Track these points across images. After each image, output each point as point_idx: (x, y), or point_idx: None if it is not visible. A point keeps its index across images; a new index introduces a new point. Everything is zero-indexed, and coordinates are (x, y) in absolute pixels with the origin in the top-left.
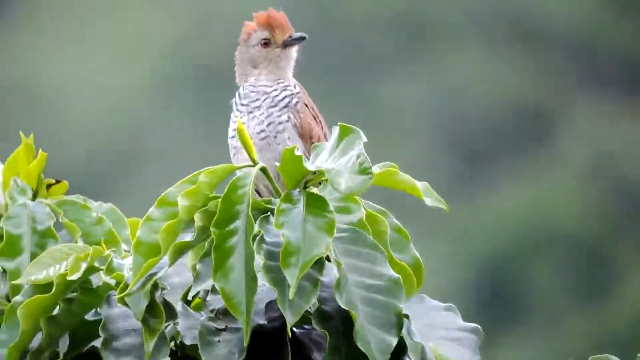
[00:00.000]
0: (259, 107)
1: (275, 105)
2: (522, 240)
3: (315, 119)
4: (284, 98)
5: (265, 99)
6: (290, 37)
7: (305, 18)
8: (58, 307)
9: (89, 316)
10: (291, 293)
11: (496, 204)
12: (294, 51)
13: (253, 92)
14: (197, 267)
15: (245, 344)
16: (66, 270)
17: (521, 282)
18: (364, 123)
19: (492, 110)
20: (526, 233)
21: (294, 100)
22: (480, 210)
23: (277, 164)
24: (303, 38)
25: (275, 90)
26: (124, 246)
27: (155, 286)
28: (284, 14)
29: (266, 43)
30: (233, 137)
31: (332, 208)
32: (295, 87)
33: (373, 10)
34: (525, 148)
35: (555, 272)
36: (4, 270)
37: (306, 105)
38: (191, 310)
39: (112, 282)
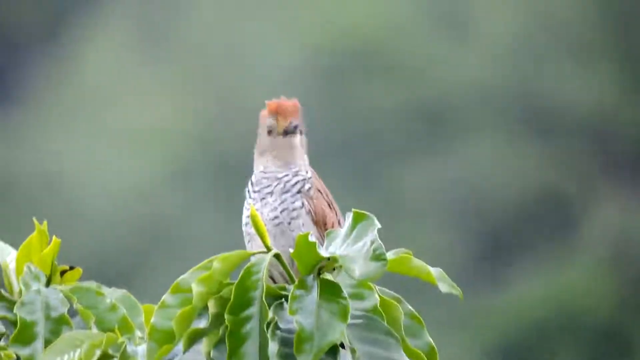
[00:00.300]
0: (271, 193)
1: (287, 191)
2: (542, 328)
3: (329, 205)
4: (296, 183)
5: (277, 185)
6: (290, 125)
7: (325, 108)
8: None
9: None
10: None
11: (517, 291)
12: (296, 139)
13: (265, 178)
14: (212, 353)
15: None
16: (80, 357)
17: None
18: (384, 212)
19: (513, 197)
20: (547, 321)
21: (307, 186)
22: (501, 297)
23: (291, 250)
24: (295, 127)
25: (286, 175)
26: (138, 333)
27: None
28: (294, 102)
29: (270, 131)
30: (247, 224)
31: (346, 294)
32: (307, 172)
33: (391, 99)
34: (546, 234)
35: (578, 358)
36: (18, 358)
37: (319, 192)
38: None
39: None
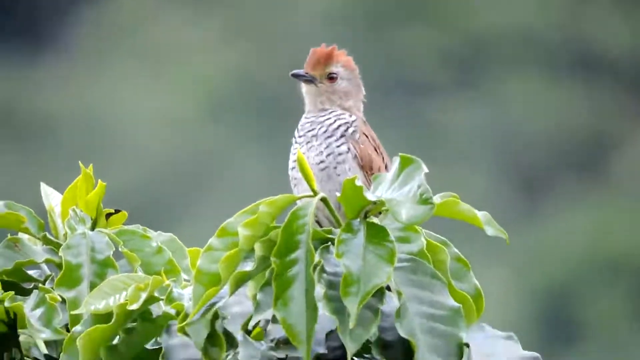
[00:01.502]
0: (316, 137)
1: (331, 135)
2: (582, 268)
3: (376, 150)
4: (339, 127)
5: (320, 128)
6: (324, 72)
7: (366, 51)
8: (118, 337)
9: (149, 346)
10: (352, 322)
11: (557, 231)
12: (332, 86)
13: (308, 122)
14: (258, 296)
15: None
16: (126, 300)
17: (582, 310)
18: (424, 152)
19: (552, 136)
20: (587, 260)
21: (351, 130)
22: (541, 237)
23: (338, 194)
24: (293, 75)
25: (328, 119)
26: (184, 276)
27: (215, 316)
28: (327, 50)
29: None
30: (293, 168)
31: (392, 238)
32: (351, 116)
33: (432, 41)
34: (586, 175)
35: (617, 299)
36: (63, 300)
37: (366, 136)
38: (252, 340)
39: (172, 311)
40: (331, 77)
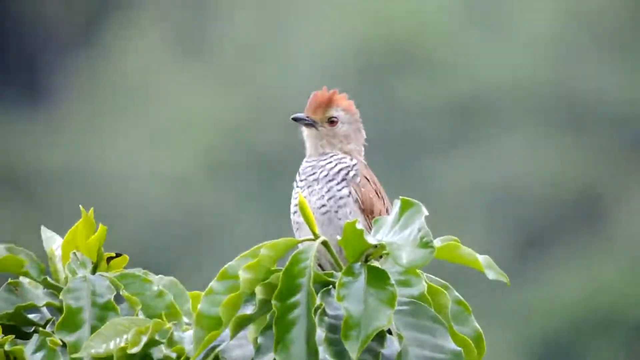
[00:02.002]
0: (317, 180)
1: (332, 179)
2: (581, 322)
3: (377, 193)
4: (340, 170)
5: (321, 172)
6: (324, 116)
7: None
8: None
9: None
10: None
11: (554, 285)
12: (332, 129)
13: (309, 166)
14: (259, 340)
15: None
16: (127, 343)
17: None
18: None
19: (549, 192)
20: (583, 314)
21: (352, 173)
22: (536, 291)
23: (339, 237)
24: (294, 119)
25: (329, 163)
26: (185, 319)
27: (216, 359)
28: (328, 93)
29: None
30: (295, 212)
31: (393, 281)
32: (352, 159)
33: (427, 95)
34: (582, 229)
35: (612, 352)
36: (64, 344)
37: (367, 180)
38: None
39: (174, 355)
40: (332, 121)
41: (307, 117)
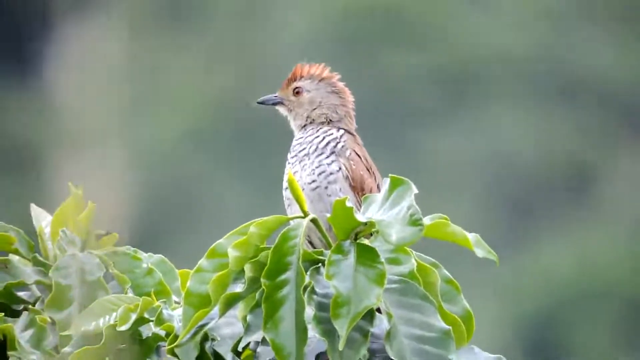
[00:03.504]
0: (308, 155)
1: (322, 153)
2: (569, 294)
3: (368, 170)
4: (327, 143)
5: (310, 147)
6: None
7: (349, 74)
8: (108, 358)
9: None
10: (341, 344)
11: (544, 257)
12: (300, 99)
13: (298, 143)
14: (248, 318)
15: None
16: (116, 321)
17: (569, 336)
18: (410, 176)
19: (537, 164)
20: (574, 287)
21: (340, 145)
22: (528, 263)
23: (328, 215)
24: (259, 102)
25: (317, 137)
26: (174, 297)
27: (205, 337)
28: (295, 68)
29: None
30: (286, 188)
31: (382, 259)
32: (338, 130)
33: (416, 66)
34: (571, 200)
35: (602, 325)
36: (53, 321)
37: (358, 156)
38: None
39: (162, 333)
40: (296, 92)
41: (275, 96)
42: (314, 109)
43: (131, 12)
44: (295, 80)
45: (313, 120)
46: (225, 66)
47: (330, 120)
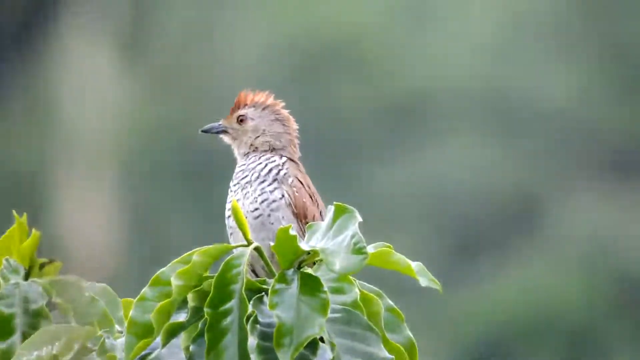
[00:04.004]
0: (250, 183)
1: (263, 180)
2: (515, 326)
3: (311, 197)
4: (270, 171)
5: (252, 174)
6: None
7: (297, 104)
8: None
9: None
10: None
11: (490, 288)
12: (245, 126)
13: (240, 170)
14: (191, 348)
15: None
16: (58, 351)
17: None
18: (354, 206)
19: (485, 195)
20: (521, 317)
21: (282, 172)
22: (473, 296)
23: (272, 243)
24: (203, 131)
25: (259, 164)
26: (117, 327)
27: None
28: (239, 96)
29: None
30: (229, 217)
31: (326, 288)
32: (281, 157)
33: (364, 96)
34: (518, 231)
35: (548, 355)
36: None
37: (301, 183)
38: None
39: None
40: (240, 120)
41: (220, 124)
42: (257, 136)
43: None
44: (239, 108)
45: (256, 148)
46: (171, 92)
47: (274, 148)
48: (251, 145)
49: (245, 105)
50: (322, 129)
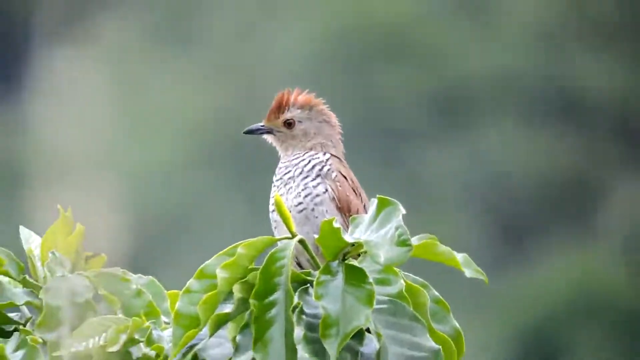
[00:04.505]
0: (293, 179)
1: (307, 176)
2: (563, 313)
3: (354, 191)
4: (313, 167)
5: (295, 170)
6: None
7: (346, 95)
8: None
9: None
10: None
11: (538, 276)
12: (294, 130)
13: (283, 166)
14: (237, 338)
15: None
16: (106, 342)
17: (563, 356)
18: (401, 197)
19: (532, 183)
20: (568, 306)
21: (326, 168)
22: (520, 283)
23: (316, 236)
24: (247, 132)
25: (303, 160)
26: (163, 318)
27: (195, 358)
28: (277, 100)
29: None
30: (273, 210)
31: (371, 280)
32: (325, 154)
33: (412, 85)
34: (567, 218)
35: (598, 344)
36: (44, 342)
37: (344, 177)
38: None
39: (152, 353)
40: (288, 124)
41: (262, 125)
42: (309, 140)
43: (122, 33)
44: (282, 109)
45: (309, 149)
46: (218, 87)
47: (324, 148)
48: (302, 147)
49: (287, 106)
50: (367, 118)
